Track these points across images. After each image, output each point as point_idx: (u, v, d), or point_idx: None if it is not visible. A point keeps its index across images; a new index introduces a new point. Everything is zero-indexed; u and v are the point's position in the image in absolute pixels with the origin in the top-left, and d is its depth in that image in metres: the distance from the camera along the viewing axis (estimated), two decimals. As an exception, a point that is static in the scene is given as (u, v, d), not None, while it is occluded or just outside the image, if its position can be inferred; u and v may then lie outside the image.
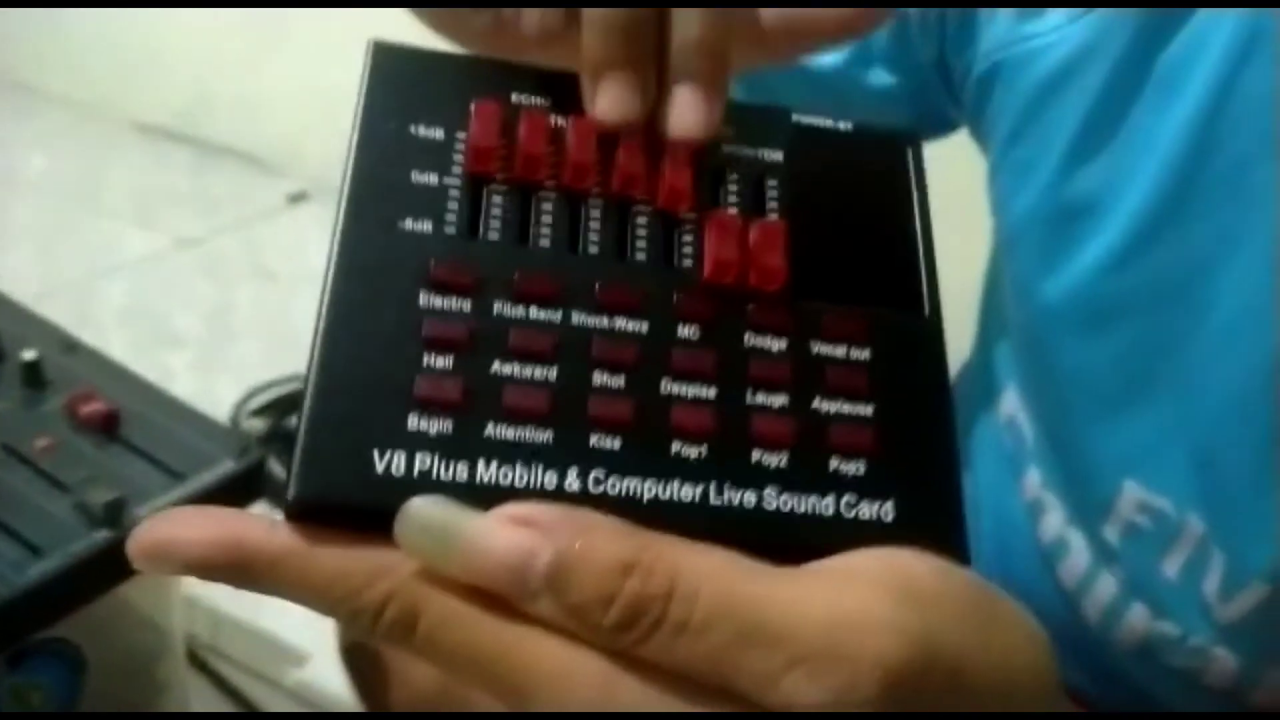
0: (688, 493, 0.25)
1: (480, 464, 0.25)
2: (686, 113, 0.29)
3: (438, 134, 0.29)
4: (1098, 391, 0.52)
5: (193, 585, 1.11)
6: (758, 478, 0.26)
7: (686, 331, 0.27)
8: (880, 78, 0.58)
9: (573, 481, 0.25)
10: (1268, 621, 0.50)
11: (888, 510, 0.26)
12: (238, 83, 2.20)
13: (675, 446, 0.26)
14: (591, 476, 0.25)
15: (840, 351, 0.28)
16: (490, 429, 0.25)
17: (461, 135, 0.29)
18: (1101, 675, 0.58)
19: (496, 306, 0.27)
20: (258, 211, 2.06)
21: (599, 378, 0.26)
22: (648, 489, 0.25)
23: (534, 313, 0.27)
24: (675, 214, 0.29)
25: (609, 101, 0.29)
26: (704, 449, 0.26)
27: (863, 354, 0.28)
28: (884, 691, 0.23)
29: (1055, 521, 0.57)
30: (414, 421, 0.25)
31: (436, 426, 0.25)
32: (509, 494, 0.25)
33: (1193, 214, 0.47)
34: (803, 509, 0.26)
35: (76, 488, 0.68)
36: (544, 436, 0.25)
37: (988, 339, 0.65)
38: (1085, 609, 0.57)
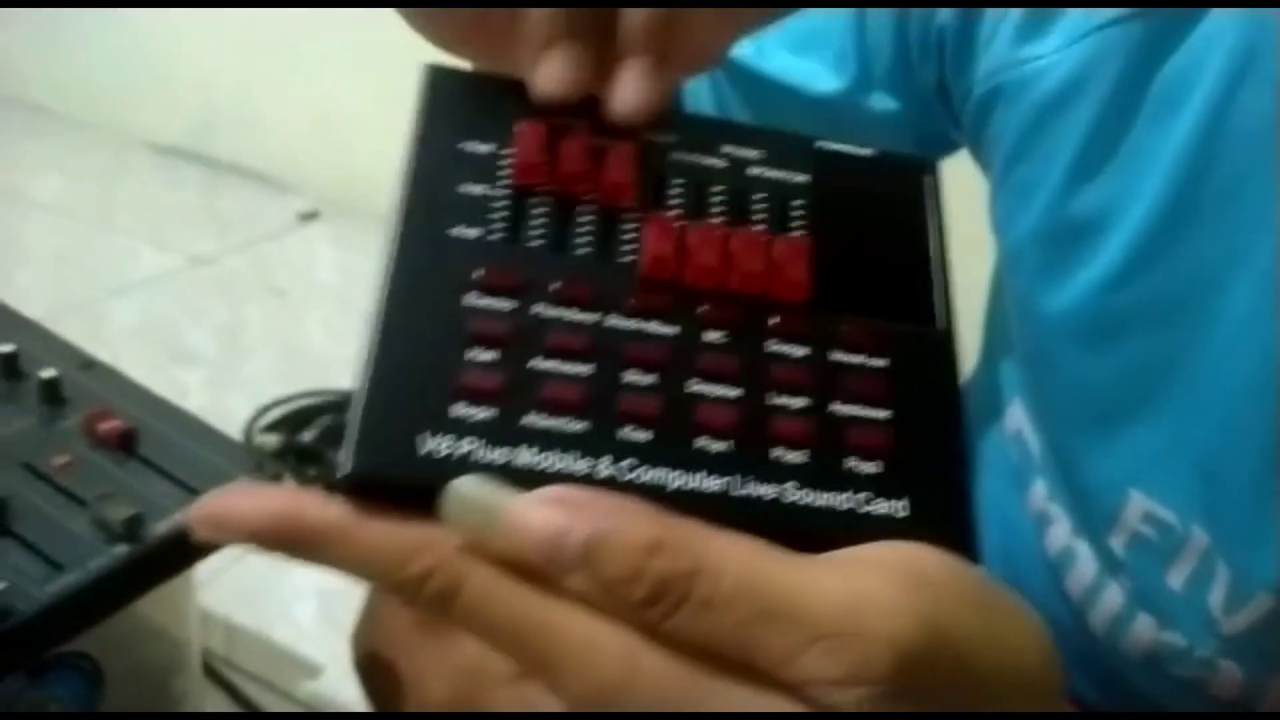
0: (711, 484, 0.27)
1: (518, 450, 0.27)
2: (627, 93, 0.30)
3: (486, 149, 0.31)
4: (1102, 405, 0.52)
5: (208, 599, 1.12)
6: (778, 473, 0.28)
7: (713, 336, 0.29)
8: (882, 102, 0.59)
9: (604, 469, 0.27)
10: (1273, 633, 0.50)
11: (902, 508, 0.28)
12: (248, 102, 2.22)
13: (700, 441, 0.27)
14: (621, 465, 0.27)
15: (858, 359, 0.30)
16: (528, 418, 0.27)
17: (507, 150, 0.31)
18: (1109, 684, 0.59)
19: (537, 308, 0.29)
20: (269, 230, 2.08)
21: (630, 376, 0.28)
22: (673, 479, 0.27)
23: (571, 314, 0.28)
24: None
25: (546, 76, 0.30)
26: (728, 444, 0.28)
27: (880, 362, 0.30)
28: (895, 670, 0.24)
29: (1061, 533, 0.58)
30: (459, 409, 0.27)
31: (479, 414, 0.27)
32: (544, 478, 0.26)
33: (1193, 230, 0.48)
34: (820, 503, 0.28)
35: (95, 504, 0.69)
36: (578, 427, 0.27)
37: (992, 354, 0.66)
38: (1092, 619, 0.57)
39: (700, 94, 0.64)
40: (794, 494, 0.27)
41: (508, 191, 0.30)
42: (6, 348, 0.80)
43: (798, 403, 0.29)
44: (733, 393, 0.28)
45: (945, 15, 0.53)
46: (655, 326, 0.29)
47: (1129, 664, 0.57)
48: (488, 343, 0.28)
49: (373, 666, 0.64)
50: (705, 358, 0.29)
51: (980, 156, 0.57)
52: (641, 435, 0.27)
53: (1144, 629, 0.55)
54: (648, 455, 0.27)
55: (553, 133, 0.31)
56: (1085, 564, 0.57)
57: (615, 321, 0.29)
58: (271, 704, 1.15)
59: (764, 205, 0.32)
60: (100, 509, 0.68)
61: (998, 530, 0.65)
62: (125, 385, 0.82)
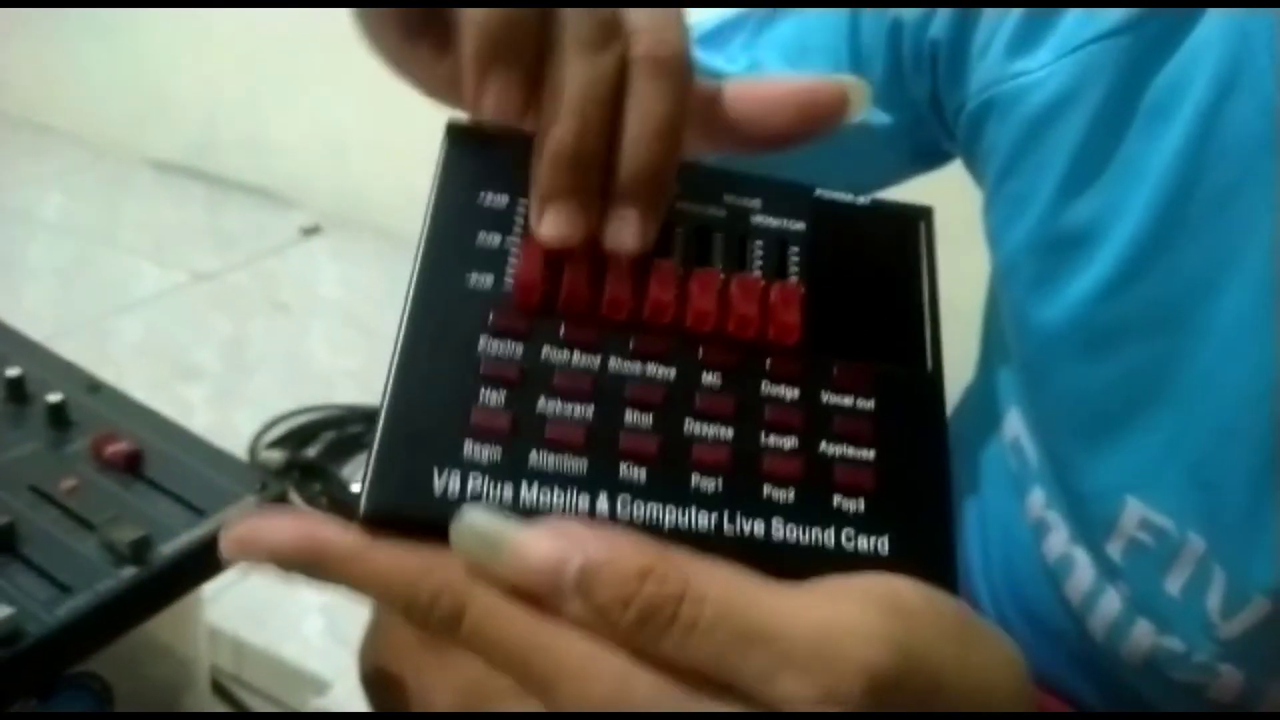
0: (703, 520, 0.29)
1: (524, 487, 0.28)
2: (626, 234, 0.32)
3: (502, 201, 0.32)
4: (1097, 414, 0.53)
5: (216, 616, 1.12)
6: (767, 509, 0.29)
7: (710, 379, 0.30)
8: (877, 117, 0.59)
9: (603, 505, 0.28)
10: (1271, 636, 0.51)
11: (883, 544, 0.29)
12: (249, 119, 2.23)
13: (694, 479, 0.29)
14: (619, 501, 0.28)
15: (847, 401, 0.31)
16: (534, 457, 0.29)
17: (523, 202, 0.32)
18: (1109, 688, 0.59)
19: (545, 351, 0.30)
20: (271, 245, 2.09)
21: (630, 416, 0.30)
22: (668, 515, 0.29)
23: (577, 358, 0.30)
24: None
25: (550, 226, 0.31)
26: (720, 482, 0.29)
27: (868, 404, 0.31)
28: (867, 694, 0.25)
29: (1059, 540, 0.58)
30: (469, 448, 0.29)
31: (487, 453, 0.29)
32: (546, 514, 0.28)
33: (1184, 240, 0.48)
34: (806, 539, 0.29)
35: (103, 527, 0.70)
36: (579, 466, 0.29)
37: (990, 363, 0.66)
38: (1091, 625, 0.58)
39: None
40: (781, 530, 0.29)
41: (521, 241, 0.32)
42: (13, 371, 0.80)
43: (788, 442, 0.30)
44: (727, 432, 0.30)
45: (938, 29, 0.54)
46: (655, 369, 0.30)
47: (1128, 668, 0.57)
48: (498, 384, 0.29)
49: (379, 681, 0.65)
50: (702, 399, 0.30)
51: (974, 168, 0.57)
52: (639, 473, 0.29)
53: (1142, 634, 0.55)
54: (644, 492, 0.29)
55: (557, 253, 0.32)
56: (1083, 571, 0.57)
57: (617, 364, 0.30)
58: (280, 720, 1.15)
59: (761, 252, 0.33)
60: (108, 531, 0.69)
61: (998, 537, 0.66)
62: (131, 407, 0.82)
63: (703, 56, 0.63)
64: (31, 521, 0.70)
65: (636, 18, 0.32)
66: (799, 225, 0.33)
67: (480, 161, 0.33)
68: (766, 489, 0.29)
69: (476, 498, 0.28)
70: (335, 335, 1.79)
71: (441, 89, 0.36)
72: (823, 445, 0.30)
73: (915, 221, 0.35)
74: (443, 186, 0.33)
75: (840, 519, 0.29)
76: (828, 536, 0.29)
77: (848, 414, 0.31)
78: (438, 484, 0.28)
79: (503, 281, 0.31)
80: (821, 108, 0.34)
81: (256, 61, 2.19)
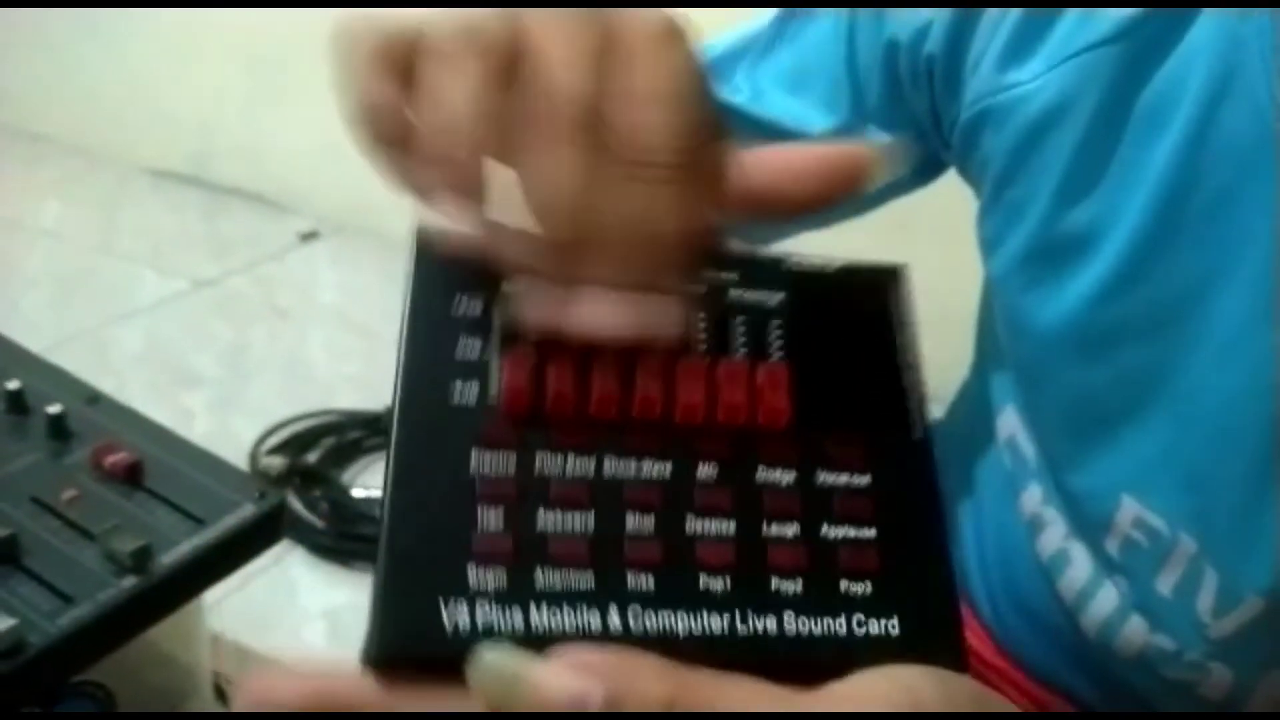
0: (716, 624, 0.28)
1: (533, 611, 0.28)
2: (607, 318, 0.31)
3: (477, 307, 0.32)
4: (1094, 414, 0.53)
5: (218, 623, 1.13)
6: (777, 604, 0.29)
7: (706, 471, 0.30)
8: (877, 136, 0.59)
9: (614, 621, 0.28)
10: (1261, 635, 0.51)
11: (893, 626, 0.29)
12: (245, 126, 2.23)
13: (702, 580, 0.29)
14: (630, 614, 0.28)
15: (843, 480, 0.31)
16: (540, 577, 0.28)
17: (496, 311, 0.32)
18: (1104, 683, 0.60)
19: (538, 461, 0.30)
20: (270, 251, 2.09)
21: (631, 521, 0.29)
22: (680, 624, 0.28)
23: (571, 464, 0.30)
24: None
25: (594, 316, 0.30)
26: (727, 581, 0.29)
27: (863, 480, 0.31)
28: None
29: (1055, 536, 0.58)
30: (473, 576, 0.28)
31: (493, 578, 0.28)
32: (560, 637, 0.28)
33: (1180, 244, 0.48)
34: (819, 630, 0.29)
35: (104, 537, 0.70)
36: (586, 581, 0.28)
37: (984, 363, 0.67)
38: (1084, 621, 0.58)
39: None
40: (794, 624, 0.29)
41: (495, 354, 0.31)
42: (12, 384, 0.81)
43: (790, 530, 0.30)
44: (729, 527, 0.30)
45: (933, 44, 0.54)
46: (650, 466, 0.30)
47: (1122, 664, 0.58)
48: (495, 503, 0.29)
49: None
50: (699, 495, 0.30)
51: (969, 177, 0.58)
52: (647, 581, 0.29)
53: (1135, 631, 0.56)
54: (654, 601, 0.28)
55: (538, 358, 0.31)
56: (1080, 566, 0.58)
57: (612, 465, 0.30)
58: (284, 725, 1.16)
59: (743, 330, 0.33)
60: (109, 541, 0.69)
61: (993, 535, 0.66)
62: (131, 418, 0.82)
63: None
64: (33, 532, 0.70)
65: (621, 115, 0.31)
66: (776, 298, 0.33)
67: (450, 267, 0.32)
68: (774, 582, 0.29)
69: (488, 628, 0.27)
70: (334, 340, 1.79)
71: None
72: (824, 529, 0.30)
73: (887, 282, 0.35)
74: (416, 296, 0.32)
75: (849, 604, 0.29)
76: (839, 625, 0.29)
77: (845, 493, 0.31)
78: (446, 618, 0.28)
79: (487, 392, 0.30)
80: (845, 176, 0.34)
81: (252, 68, 2.20)
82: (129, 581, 0.68)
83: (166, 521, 0.72)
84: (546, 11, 0.31)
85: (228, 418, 1.58)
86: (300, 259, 2.09)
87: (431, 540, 0.28)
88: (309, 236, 2.15)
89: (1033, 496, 0.60)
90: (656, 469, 0.30)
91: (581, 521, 0.29)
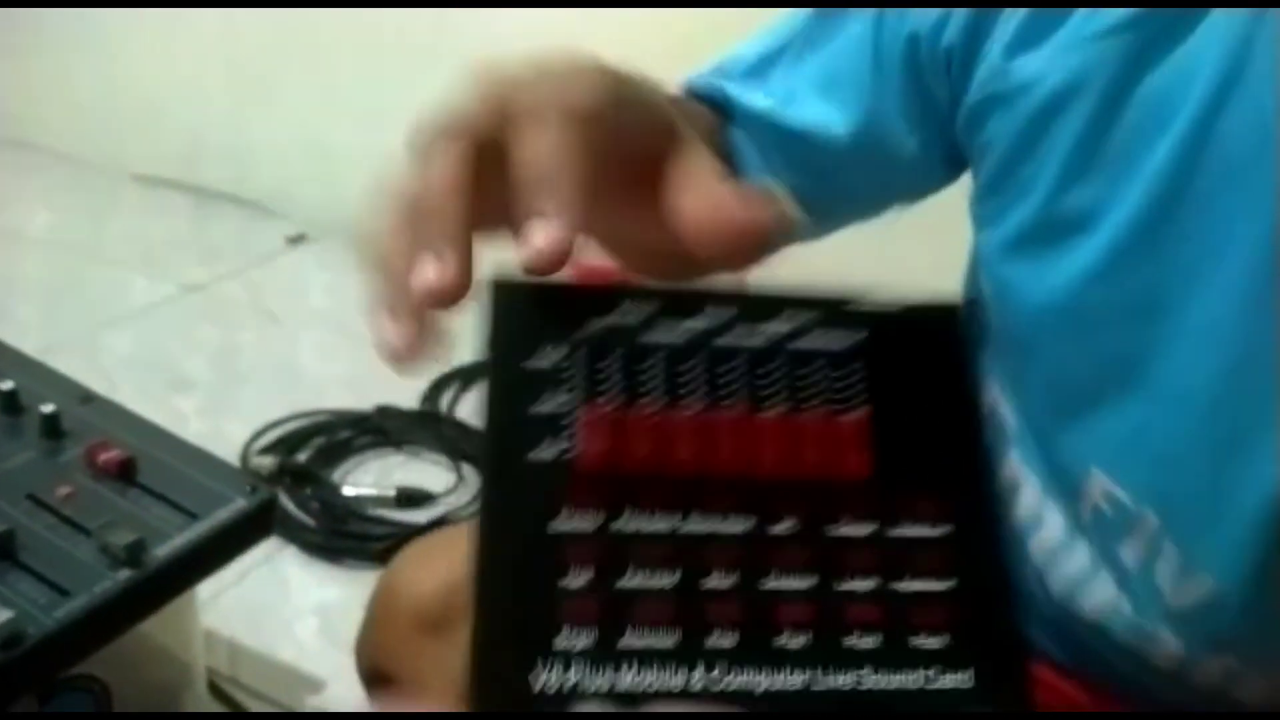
0: (794, 681, 0.29)
1: (621, 672, 0.29)
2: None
3: (551, 363, 0.32)
4: (1074, 390, 0.56)
5: (212, 620, 1.15)
6: (853, 661, 0.30)
7: (783, 527, 0.31)
8: (900, 140, 0.60)
9: (697, 680, 0.29)
10: (1213, 613, 0.53)
11: (967, 679, 0.30)
12: (233, 131, 2.25)
13: (781, 639, 0.30)
14: (713, 675, 0.29)
15: (920, 532, 0.31)
16: (626, 639, 0.29)
17: (567, 365, 0.32)
18: (1070, 645, 0.62)
19: (621, 521, 0.30)
20: (258, 255, 2.11)
21: (712, 581, 0.30)
22: (760, 682, 0.29)
23: (652, 524, 0.31)
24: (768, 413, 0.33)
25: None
26: (806, 638, 0.30)
27: (940, 531, 0.31)
28: None
29: (1031, 497, 0.61)
30: (562, 639, 0.29)
31: (581, 641, 0.29)
32: (646, 695, 0.29)
33: (1173, 234, 0.51)
34: (894, 685, 0.30)
35: (98, 531, 0.72)
36: (670, 641, 0.29)
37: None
38: (1052, 581, 0.60)
39: (748, 154, 0.66)
40: (870, 679, 0.30)
41: (574, 406, 0.31)
42: (6, 385, 0.83)
43: (866, 585, 0.30)
44: (806, 584, 0.30)
45: (950, 36, 0.56)
46: (729, 524, 0.31)
47: (1081, 625, 0.60)
48: (581, 565, 0.30)
49: (377, 677, 0.67)
50: (777, 553, 0.30)
51: (970, 157, 0.60)
52: (728, 641, 0.29)
53: (1103, 588, 0.58)
54: (735, 660, 0.29)
55: (618, 414, 0.32)
56: (1053, 526, 0.60)
57: (692, 524, 0.30)
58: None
59: (819, 379, 0.33)
60: (103, 536, 0.71)
61: None
62: (123, 416, 0.84)
63: (742, 91, 0.65)
64: (29, 529, 0.72)
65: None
66: (848, 344, 0.33)
67: (526, 319, 0.33)
68: (850, 639, 0.30)
69: (577, 690, 0.29)
70: (324, 342, 1.81)
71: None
72: (901, 582, 0.31)
73: (949, 320, 0.35)
74: (495, 348, 0.32)
75: (924, 659, 0.30)
76: (914, 679, 0.30)
77: (922, 545, 0.31)
78: (538, 682, 0.29)
79: (568, 450, 0.31)
80: (752, 232, 0.34)
81: (238, 74, 2.21)
82: (124, 574, 0.70)
83: (159, 516, 0.74)
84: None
85: (219, 420, 1.59)
86: (289, 262, 2.11)
87: (521, 603, 0.29)
88: (297, 240, 2.16)
89: (1011, 462, 0.62)
90: (736, 526, 0.31)
91: (664, 580, 0.30)
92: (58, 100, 2.42)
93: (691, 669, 0.29)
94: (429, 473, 1.51)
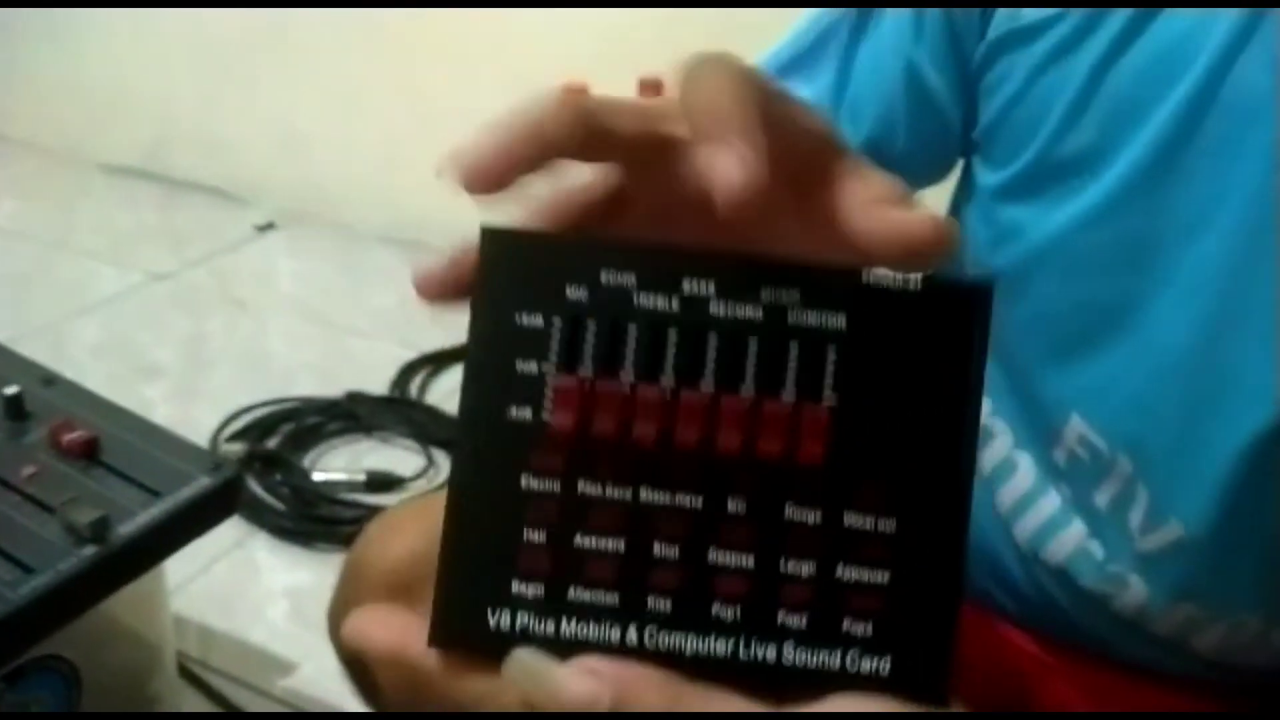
0: (721, 647, 0.32)
1: (564, 622, 0.32)
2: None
3: (538, 321, 0.33)
4: (1062, 332, 0.57)
5: (182, 605, 1.15)
6: (779, 635, 0.32)
7: (735, 506, 0.32)
8: (933, 78, 0.61)
9: (630, 637, 0.32)
10: (1180, 558, 0.55)
11: (885, 665, 0.32)
12: (200, 120, 2.24)
13: (715, 608, 0.32)
14: (646, 633, 0.32)
15: (869, 523, 0.32)
16: (572, 593, 0.32)
17: (557, 322, 0.33)
18: (1031, 597, 0.64)
19: (581, 486, 0.32)
20: (226, 243, 2.10)
21: (658, 549, 0.32)
22: (689, 644, 0.32)
23: (610, 491, 0.32)
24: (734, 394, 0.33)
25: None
26: (738, 610, 0.32)
27: (889, 524, 0.32)
28: None
29: (1001, 447, 0.62)
30: (516, 586, 0.32)
31: (532, 590, 0.32)
32: (581, 645, 0.32)
33: (1173, 185, 0.52)
34: (814, 663, 0.32)
35: (62, 509, 0.72)
36: (612, 599, 0.32)
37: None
38: (1018, 530, 0.62)
39: None
40: (791, 654, 0.32)
41: (551, 372, 0.33)
42: (-31, 368, 0.83)
43: (806, 568, 0.32)
44: (748, 561, 0.32)
45: None
46: (683, 498, 0.32)
47: (1044, 575, 0.62)
48: (540, 523, 0.32)
49: (358, 664, 0.68)
50: (726, 529, 0.32)
51: (977, 94, 0.61)
52: (665, 604, 0.32)
53: (1071, 536, 0.60)
54: (669, 622, 0.32)
55: (590, 384, 0.33)
56: (1024, 474, 0.62)
57: (648, 494, 0.32)
58: (248, 701, 1.18)
59: (795, 363, 0.32)
60: (67, 513, 0.72)
61: None
62: (87, 398, 0.85)
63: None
64: (-7, 508, 0.73)
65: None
66: (838, 322, 0.33)
67: (515, 272, 0.33)
68: (781, 615, 0.32)
69: (524, 632, 0.32)
70: (292, 329, 1.81)
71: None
72: (839, 570, 0.32)
73: (970, 302, 0.32)
74: (481, 301, 0.33)
75: (848, 642, 0.32)
76: (834, 660, 0.31)
77: (867, 537, 0.32)
78: (491, 620, 0.32)
79: (540, 414, 0.33)
80: (929, 256, 0.33)
81: (205, 61, 2.21)
82: (88, 551, 0.70)
83: (124, 494, 0.75)
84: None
85: (188, 407, 1.59)
86: (257, 250, 2.11)
87: (483, 549, 0.32)
88: (265, 228, 2.16)
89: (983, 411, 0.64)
90: (689, 500, 0.32)
91: (613, 545, 0.32)
92: (24, 90, 2.40)
93: (627, 627, 0.32)
94: (399, 457, 1.51)
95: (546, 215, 0.36)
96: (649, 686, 0.31)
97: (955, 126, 0.62)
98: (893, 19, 0.61)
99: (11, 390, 0.80)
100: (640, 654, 0.32)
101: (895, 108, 0.62)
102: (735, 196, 0.29)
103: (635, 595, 0.32)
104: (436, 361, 1.69)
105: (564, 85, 0.35)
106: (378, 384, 1.65)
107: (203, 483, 0.77)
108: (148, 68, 2.26)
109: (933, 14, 0.59)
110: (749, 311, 0.33)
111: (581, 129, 0.33)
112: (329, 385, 1.63)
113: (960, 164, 0.65)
